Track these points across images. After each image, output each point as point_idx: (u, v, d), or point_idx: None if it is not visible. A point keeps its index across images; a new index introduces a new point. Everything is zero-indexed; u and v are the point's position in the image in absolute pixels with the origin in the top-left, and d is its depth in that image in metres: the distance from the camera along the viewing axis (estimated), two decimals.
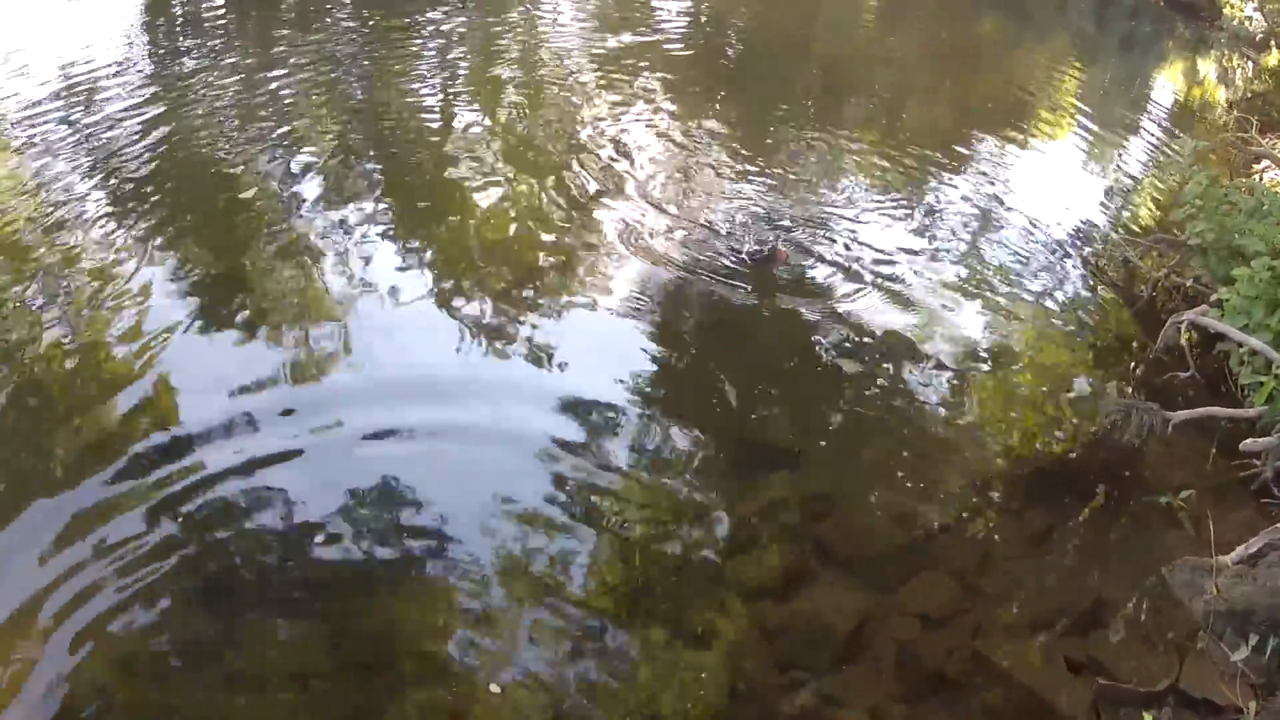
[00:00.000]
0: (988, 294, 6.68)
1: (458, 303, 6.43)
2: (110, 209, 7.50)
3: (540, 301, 6.42)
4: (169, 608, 4.54)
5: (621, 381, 5.73)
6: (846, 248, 7.01)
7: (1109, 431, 5.40)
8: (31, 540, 4.90)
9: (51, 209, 7.49)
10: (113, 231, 7.15)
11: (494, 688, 4.14)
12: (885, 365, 5.90)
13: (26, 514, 5.01)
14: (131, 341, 6.04)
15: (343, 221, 7.31)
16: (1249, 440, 5.08)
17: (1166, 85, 10.79)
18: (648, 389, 5.74)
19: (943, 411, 5.59)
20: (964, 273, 6.91)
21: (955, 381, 5.82)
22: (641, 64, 10.37)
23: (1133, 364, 6.05)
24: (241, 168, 8.10)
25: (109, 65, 10.17)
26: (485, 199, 7.69)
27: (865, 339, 6.10)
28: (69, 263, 6.84)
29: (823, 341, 6.09)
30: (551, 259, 6.93)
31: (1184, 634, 4.47)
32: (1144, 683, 4.26)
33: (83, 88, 9.82)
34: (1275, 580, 4.41)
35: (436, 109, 9.44)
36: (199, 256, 6.97)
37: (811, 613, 4.43)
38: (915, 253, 7.12)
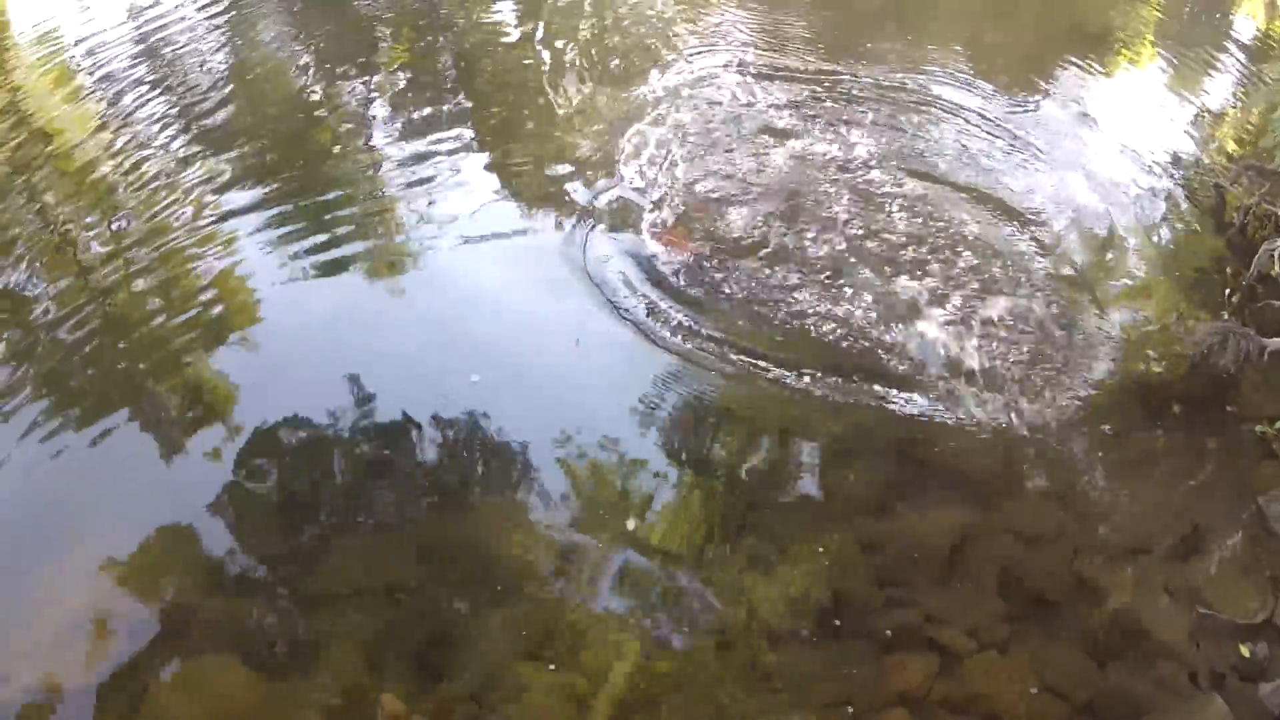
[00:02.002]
0: (1081, 220, 6.53)
1: (545, 233, 6.40)
2: (189, 144, 7.60)
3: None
4: (254, 526, 4.57)
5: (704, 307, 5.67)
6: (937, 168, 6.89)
7: (1205, 356, 5.32)
8: (118, 462, 4.94)
9: (127, 147, 7.57)
10: (193, 165, 7.21)
11: (586, 605, 4.14)
12: (979, 286, 5.76)
13: (115, 435, 5.06)
14: (214, 276, 6.07)
15: (428, 155, 7.30)
16: None
17: (1249, 14, 10.45)
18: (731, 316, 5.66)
19: (1040, 332, 5.47)
20: (1056, 196, 6.73)
21: (1051, 302, 5.69)
22: None
23: (1227, 291, 5.94)
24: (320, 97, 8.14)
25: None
26: (573, 137, 7.53)
27: (958, 258, 5.98)
28: (148, 202, 6.87)
29: (913, 260, 5.97)
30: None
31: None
32: (1241, 614, 4.26)
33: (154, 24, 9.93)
34: None
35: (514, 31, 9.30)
36: (279, 194, 6.95)
37: (911, 529, 4.42)
38: (1002, 172, 6.96)
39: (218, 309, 5.91)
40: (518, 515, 4.53)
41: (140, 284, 6.17)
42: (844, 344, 5.30)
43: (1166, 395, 5.25)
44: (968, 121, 7.50)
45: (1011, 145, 7.23)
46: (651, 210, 6.40)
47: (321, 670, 4.02)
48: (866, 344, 5.30)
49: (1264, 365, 5.29)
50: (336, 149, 7.53)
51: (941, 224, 6.20)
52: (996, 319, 5.46)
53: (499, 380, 5.22)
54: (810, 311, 5.47)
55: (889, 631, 4.08)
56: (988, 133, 7.37)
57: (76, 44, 10.06)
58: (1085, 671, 4.07)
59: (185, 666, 4.17)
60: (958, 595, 4.24)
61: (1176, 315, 5.80)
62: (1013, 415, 4.87)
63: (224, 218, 6.69)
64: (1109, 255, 6.30)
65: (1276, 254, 5.76)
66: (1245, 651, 4.15)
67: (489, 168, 7.18)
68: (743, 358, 5.23)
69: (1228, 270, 6.10)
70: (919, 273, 5.79)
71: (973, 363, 5.17)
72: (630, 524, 4.46)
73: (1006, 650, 4.10)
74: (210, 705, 4.06)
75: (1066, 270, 6.06)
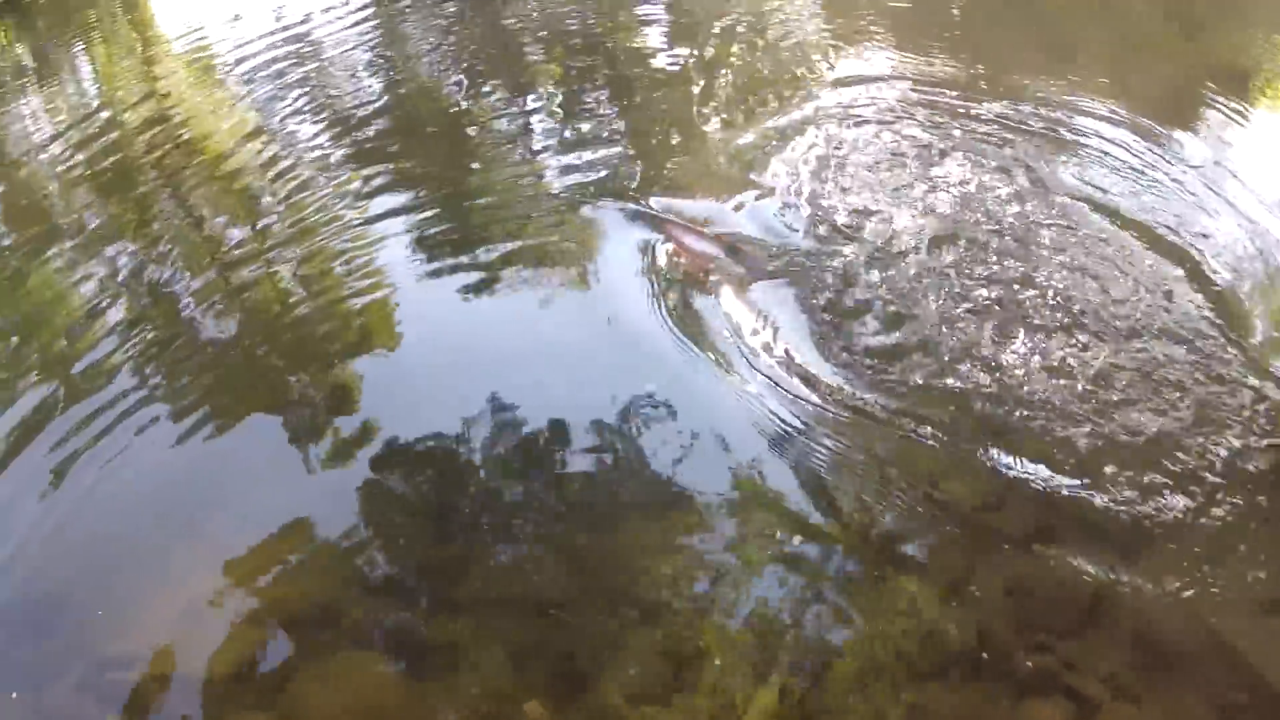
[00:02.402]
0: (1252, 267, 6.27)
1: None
2: (337, 152, 7.97)
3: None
4: (403, 531, 4.67)
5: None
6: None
7: None
8: (264, 458, 5.10)
9: (276, 152, 7.94)
10: (341, 172, 7.57)
11: (731, 627, 4.20)
12: (1139, 336, 5.62)
13: (259, 432, 5.23)
14: (360, 277, 6.28)
15: (575, 165, 7.50)
16: None
17: None
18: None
19: (1197, 386, 5.35)
20: (1226, 242, 6.40)
21: (1212, 356, 5.49)
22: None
23: None
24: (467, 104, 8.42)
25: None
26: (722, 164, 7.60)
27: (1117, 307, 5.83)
28: (294, 206, 7.18)
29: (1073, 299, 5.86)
30: None
31: None
32: None
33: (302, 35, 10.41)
34: None
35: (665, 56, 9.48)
36: (426, 202, 7.21)
37: (1054, 575, 4.42)
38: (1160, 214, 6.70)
39: (360, 312, 6.07)
40: (670, 533, 4.58)
41: (282, 285, 6.34)
42: (989, 396, 5.23)
43: None
44: (1120, 159, 7.28)
45: (1169, 186, 6.97)
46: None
47: (464, 674, 4.12)
48: (1016, 396, 5.22)
49: None
50: (486, 161, 7.69)
51: (1101, 266, 6.05)
52: (1153, 370, 5.34)
53: (664, 393, 5.29)
54: (960, 356, 5.41)
55: (1027, 674, 4.10)
56: (1141, 171, 7.15)
57: (226, 53, 10.52)
58: None
59: (325, 660, 4.29)
60: (1095, 644, 4.25)
61: None
62: (1162, 472, 4.83)
63: (370, 222, 6.92)
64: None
65: None
66: None
67: (637, 187, 7.24)
68: (886, 408, 5.20)
69: None
70: (1077, 319, 5.67)
71: (1129, 419, 5.08)
72: (783, 545, 4.51)
73: (1140, 703, 4.11)
74: (349, 699, 4.19)
75: (1234, 319, 5.83)
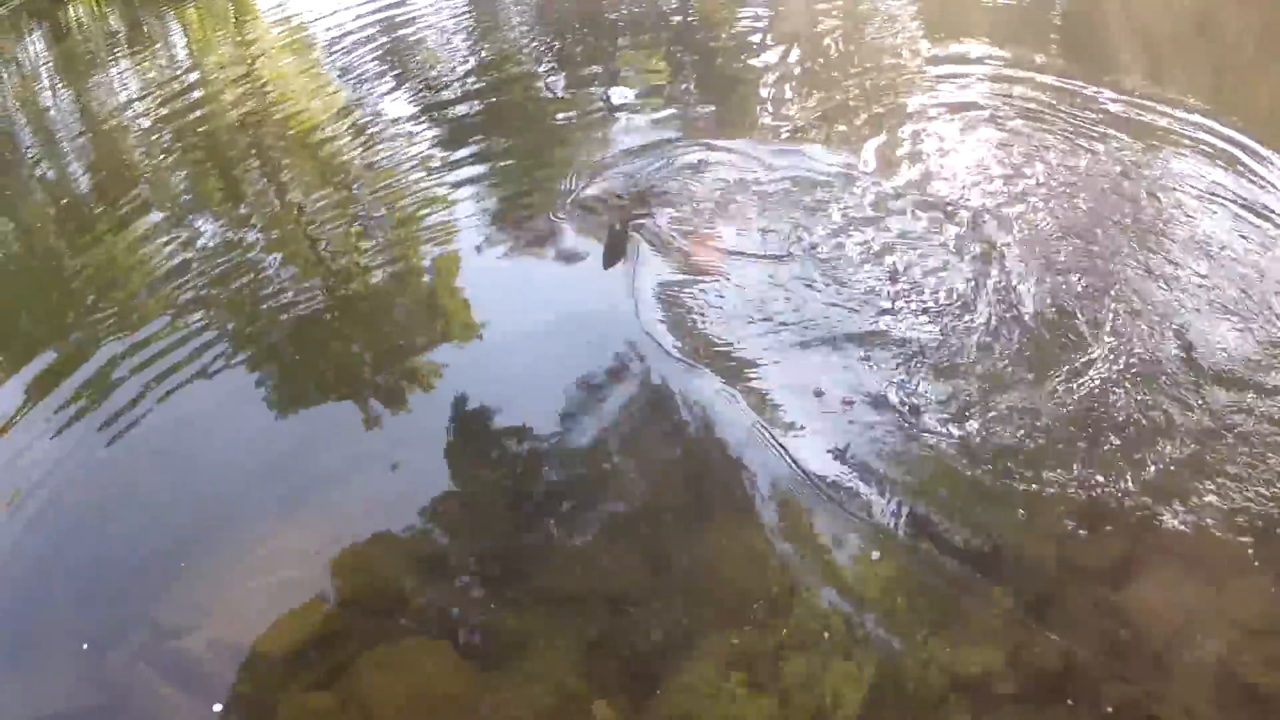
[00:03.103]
0: None
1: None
2: (426, 129, 8.04)
3: None
4: (478, 517, 4.63)
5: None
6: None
7: None
8: (341, 434, 5.09)
9: (366, 129, 8.02)
10: (429, 147, 7.58)
11: (810, 635, 4.15)
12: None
13: (338, 408, 5.21)
14: (441, 253, 6.34)
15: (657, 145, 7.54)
16: None
17: None
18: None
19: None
20: None
21: None
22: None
23: None
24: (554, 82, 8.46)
25: None
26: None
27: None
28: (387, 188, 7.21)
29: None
30: None
31: None
32: None
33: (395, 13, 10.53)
34: None
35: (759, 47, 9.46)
36: (511, 177, 7.22)
37: (1142, 604, 4.33)
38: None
39: (442, 291, 6.05)
40: (751, 537, 4.53)
41: (368, 262, 6.34)
42: (1083, 411, 5.11)
43: None
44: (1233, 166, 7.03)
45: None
46: None
47: (533, 669, 4.08)
48: (1110, 413, 5.11)
49: None
50: (574, 142, 7.65)
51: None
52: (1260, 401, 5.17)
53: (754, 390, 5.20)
54: (1052, 368, 5.30)
55: (1111, 704, 4.04)
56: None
57: (318, 24, 10.64)
58: None
59: (391, 645, 4.27)
60: (1180, 677, 4.17)
61: None
62: (1259, 503, 4.73)
63: (455, 203, 6.87)
64: None
65: None
66: None
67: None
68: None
69: None
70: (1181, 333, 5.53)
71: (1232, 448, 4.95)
72: (869, 557, 4.46)
73: None
74: (412, 685, 4.17)
75: None
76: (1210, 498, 4.70)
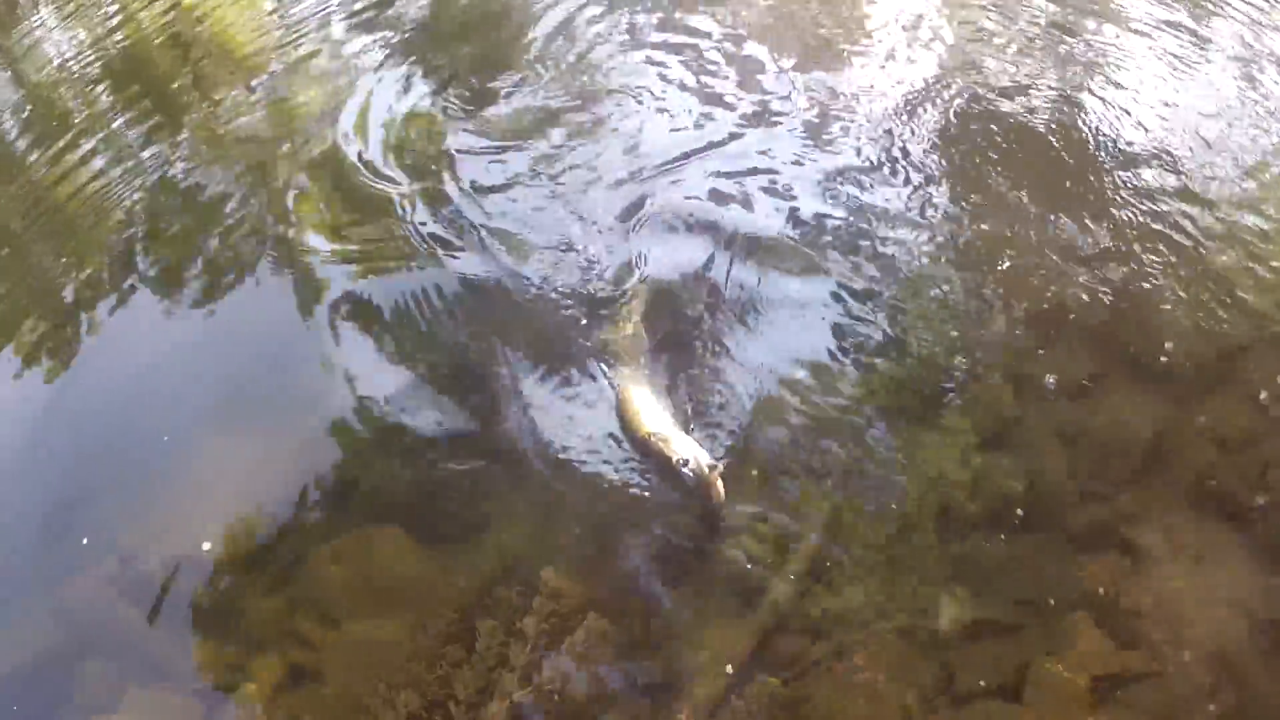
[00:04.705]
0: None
1: None
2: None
3: None
4: (421, 398, 4.70)
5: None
6: None
7: None
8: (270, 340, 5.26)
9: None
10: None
11: (770, 478, 4.18)
12: (1170, 185, 5.39)
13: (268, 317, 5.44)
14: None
15: None
16: None
17: None
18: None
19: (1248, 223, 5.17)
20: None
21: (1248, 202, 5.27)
22: None
23: None
24: None
25: None
26: None
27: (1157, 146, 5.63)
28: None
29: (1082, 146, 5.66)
30: None
31: None
32: None
33: None
34: None
35: None
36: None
37: (1109, 422, 4.27)
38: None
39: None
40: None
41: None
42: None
43: None
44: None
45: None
46: None
47: (485, 544, 4.10)
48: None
49: None
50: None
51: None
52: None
53: None
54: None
55: (1081, 527, 4.00)
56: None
57: None
58: (1275, 591, 3.89)
59: (340, 537, 4.28)
60: (1154, 493, 4.11)
61: None
62: (1224, 310, 4.66)
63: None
64: None
65: None
66: None
67: None
68: None
69: None
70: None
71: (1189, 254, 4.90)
72: (807, 403, 4.44)
73: (1200, 558, 3.97)
74: (364, 573, 4.19)
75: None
76: (1183, 307, 4.65)
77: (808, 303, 4.92)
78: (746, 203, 5.46)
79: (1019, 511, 4.02)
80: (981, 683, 3.67)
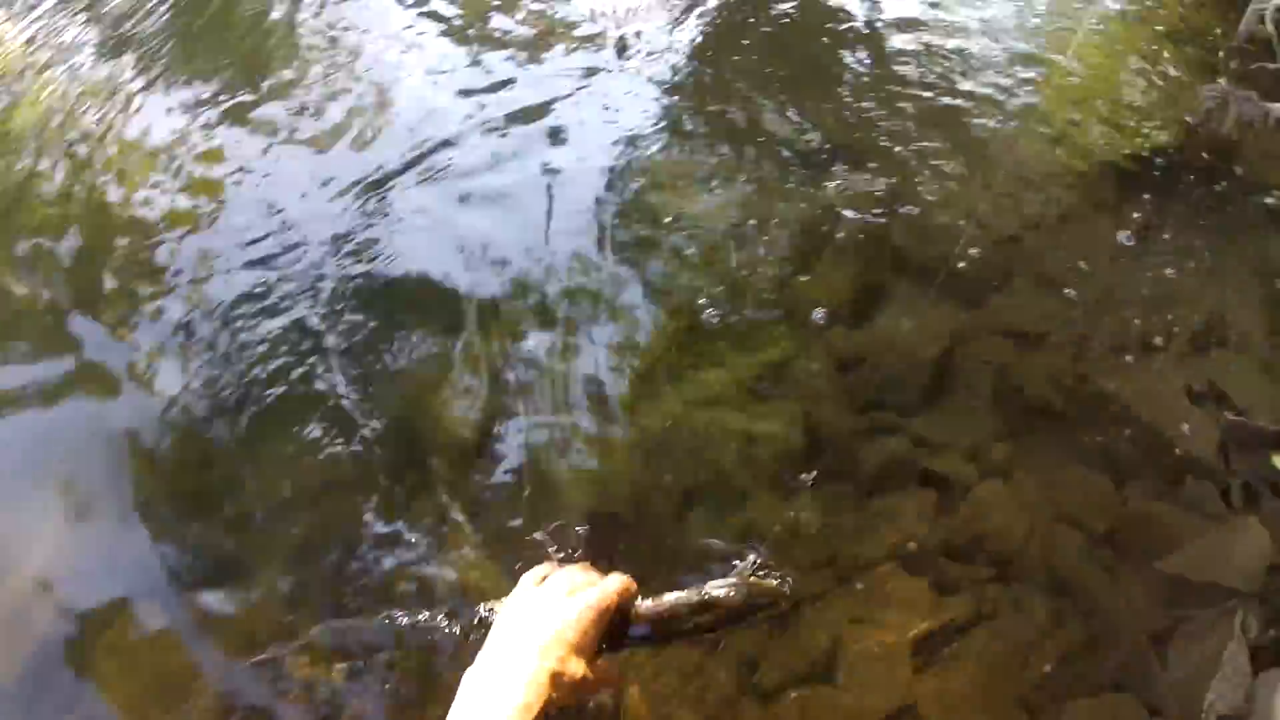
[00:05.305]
0: None
1: None
2: None
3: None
4: None
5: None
6: None
7: (1203, 122, 4.73)
8: None
9: None
10: None
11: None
12: (939, 71, 5.07)
13: None
14: None
15: None
16: None
17: None
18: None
19: (1014, 104, 4.83)
20: None
21: (1022, 71, 5.05)
22: None
23: (1220, 54, 5.35)
24: None
25: None
26: None
27: (910, 47, 5.26)
28: None
29: (862, 43, 5.23)
30: None
31: None
32: (1272, 418, 3.72)
33: None
34: None
35: None
36: None
37: (891, 338, 3.74)
38: None
39: None
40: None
41: None
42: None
43: (1164, 165, 4.64)
44: None
45: None
46: None
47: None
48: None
49: (1268, 131, 4.74)
50: None
51: None
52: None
53: None
54: None
55: (873, 466, 3.44)
56: None
57: None
58: (1103, 496, 3.50)
59: None
60: (951, 414, 3.61)
61: (1164, 78, 5.20)
62: (993, 193, 4.22)
63: None
64: (1074, 21, 5.61)
65: (1268, 13, 5.22)
66: (1277, 464, 3.62)
67: None
68: None
69: (1214, 33, 5.51)
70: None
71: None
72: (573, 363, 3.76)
73: (1011, 476, 3.50)
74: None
75: (1028, 36, 5.40)
76: (946, 201, 4.21)
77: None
78: None
79: (805, 463, 3.41)
80: (790, 669, 3.07)
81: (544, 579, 2.04)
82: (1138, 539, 3.43)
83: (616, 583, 1.97)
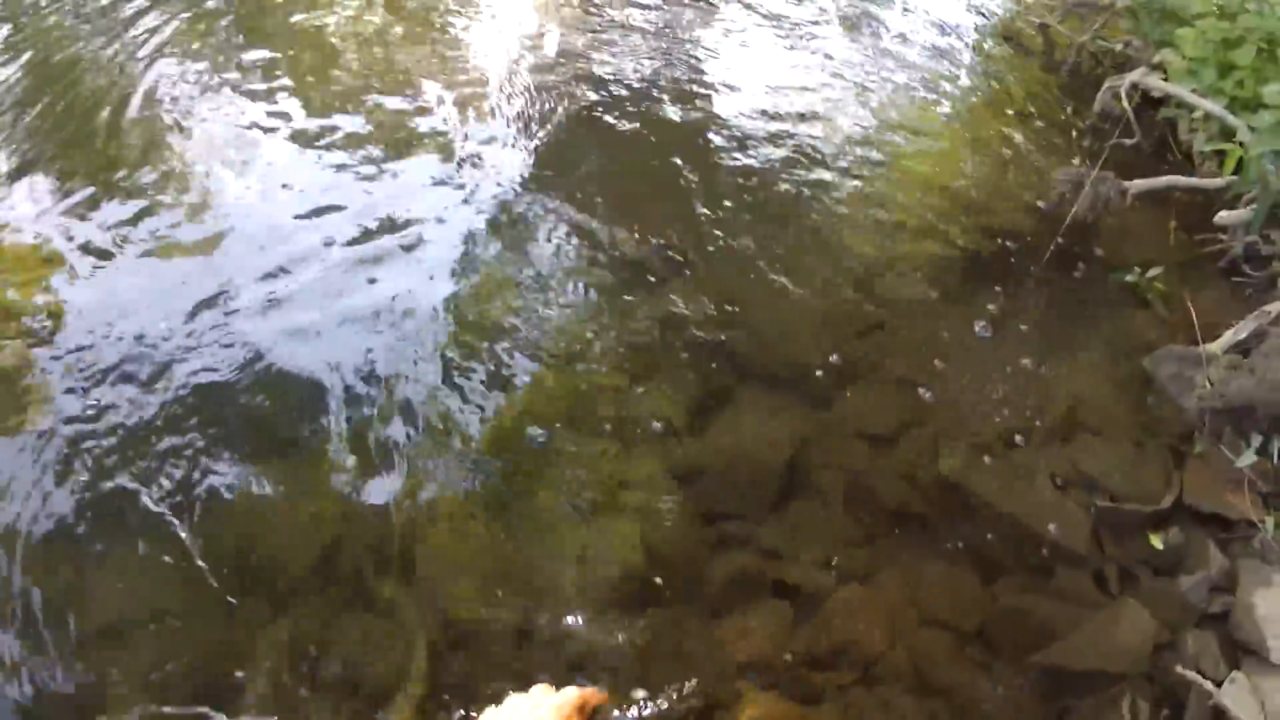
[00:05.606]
0: (888, 79, 5.93)
1: None
2: None
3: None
4: None
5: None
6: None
7: (1058, 205, 4.78)
8: None
9: None
10: None
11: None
12: (781, 159, 5.12)
13: None
14: None
15: None
16: (1224, 213, 4.61)
17: None
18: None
19: (859, 191, 4.89)
20: (853, 58, 6.13)
21: (867, 166, 5.12)
22: None
23: (1073, 133, 5.46)
24: None
25: None
26: None
27: (752, 137, 5.32)
28: None
29: (701, 141, 5.27)
30: None
31: (1177, 437, 3.91)
32: (1144, 499, 3.68)
33: None
34: (1274, 373, 3.87)
35: None
36: None
37: (736, 446, 3.66)
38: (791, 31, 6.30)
39: None
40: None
41: None
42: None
43: (1020, 251, 4.69)
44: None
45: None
46: None
47: None
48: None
49: (1124, 209, 4.80)
50: None
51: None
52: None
53: None
54: None
55: (721, 582, 3.32)
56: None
57: None
58: (971, 593, 3.42)
59: None
60: (802, 521, 3.51)
61: (1017, 161, 5.28)
62: (840, 292, 4.20)
63: None
64: (925, 110, 5.71)
65: (1124, 89, 5.35)
66: (1156, 543, 3.58)
67: None
68: None
69: (1065, 113, 5.62)
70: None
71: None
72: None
73: (870, 580, 3.40)
74: None
75: (877, 130, 5.47)
76: (789, 304, 4.20)
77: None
78: None
79: (646, 584, 3.30)
80: None
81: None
82: (1010, 634, 3.34)
83: (578, 692, 1.97)
